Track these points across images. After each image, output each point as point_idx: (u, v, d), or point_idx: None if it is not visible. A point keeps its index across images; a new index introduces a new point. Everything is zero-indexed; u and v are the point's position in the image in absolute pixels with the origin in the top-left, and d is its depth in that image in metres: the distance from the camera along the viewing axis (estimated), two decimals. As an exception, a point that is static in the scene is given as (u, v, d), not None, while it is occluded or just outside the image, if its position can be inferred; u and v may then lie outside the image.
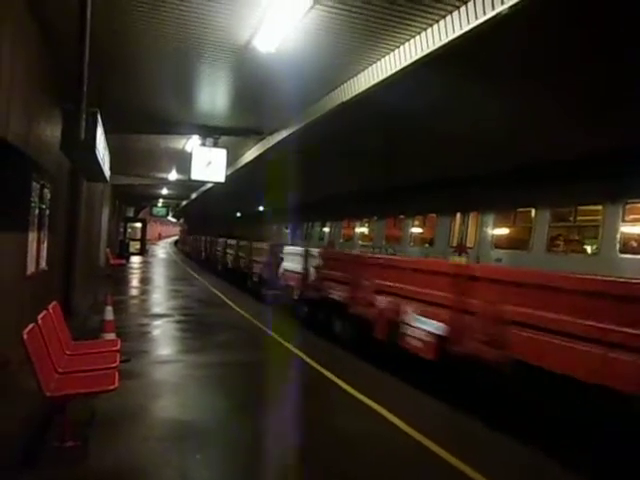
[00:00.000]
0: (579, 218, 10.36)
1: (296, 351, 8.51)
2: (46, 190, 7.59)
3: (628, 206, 9.06)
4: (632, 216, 9.07)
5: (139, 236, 35.52)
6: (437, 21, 5.50)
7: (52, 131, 7.65)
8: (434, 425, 5.38)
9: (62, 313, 6.03)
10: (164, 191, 27.79)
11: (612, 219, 9.20)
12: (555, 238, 10.68)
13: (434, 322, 6.17)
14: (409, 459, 4.63)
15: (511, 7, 4.59)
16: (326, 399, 6.26)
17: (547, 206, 10.71)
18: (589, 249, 10.12)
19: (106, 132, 8.56)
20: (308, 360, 7.94)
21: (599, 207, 9.61)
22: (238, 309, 13.17)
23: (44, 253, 7.81)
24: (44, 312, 5.01)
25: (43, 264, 7.80)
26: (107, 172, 10.15)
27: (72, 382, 4.50)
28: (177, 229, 62.12)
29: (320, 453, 4.64)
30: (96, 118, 7.03)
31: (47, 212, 7.77)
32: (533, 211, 11.11)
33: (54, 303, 5.69)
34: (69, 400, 4.37)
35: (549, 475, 4.51)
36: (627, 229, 9.16)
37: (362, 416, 5.63)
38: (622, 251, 8.98)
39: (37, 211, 7.14)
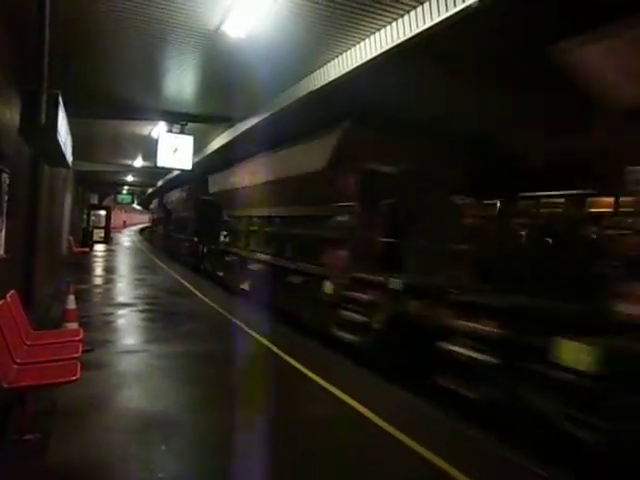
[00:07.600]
0: (542, 211, 10.55)
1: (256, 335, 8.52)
2: (5, 175, 7.31)
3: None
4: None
5: (103, 224, 34.88)
6: (407, 12, 5.49)
7: (11, 114, 7.34)
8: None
9: (22, 302, 5.86)
10: (129, 178, 27.17)
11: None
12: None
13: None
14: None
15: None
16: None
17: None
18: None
19: (69, 116, 8.28)
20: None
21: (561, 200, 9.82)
22: (203, 297, 13.07)
23: (2, 240, 7.54)
24: (1, 301, 4.86)
25: (1, 251, 7.53)
26: (69, 158, 9.84)
27: (31, 373, 4.38)
28: (143, 217, 61.19)
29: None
30: (57, 101, 6.78)
31: (6, 198, 7.49)
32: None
33: (12, 292, 5.53)
34: (28, 392, 4.25)
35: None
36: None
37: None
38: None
39: (-5, 197, 6.87)
